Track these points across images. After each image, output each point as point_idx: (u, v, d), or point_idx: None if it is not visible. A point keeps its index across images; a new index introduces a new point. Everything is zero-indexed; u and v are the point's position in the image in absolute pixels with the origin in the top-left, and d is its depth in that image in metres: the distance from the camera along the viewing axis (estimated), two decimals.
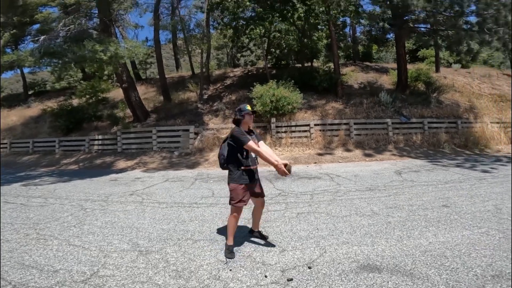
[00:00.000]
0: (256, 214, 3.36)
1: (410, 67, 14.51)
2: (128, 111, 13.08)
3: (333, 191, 5.48)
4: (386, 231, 3.58)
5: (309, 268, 2.74)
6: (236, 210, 3.01)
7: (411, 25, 12.67)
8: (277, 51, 16.82)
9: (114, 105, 14.98)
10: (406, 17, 12.15)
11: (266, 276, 2.62)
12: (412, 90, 13.30)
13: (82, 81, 17.49)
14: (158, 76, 16.16)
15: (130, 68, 17.79)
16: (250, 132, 3.11)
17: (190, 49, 16.16)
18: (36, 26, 15.39)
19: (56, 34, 9.46)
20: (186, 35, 15.65)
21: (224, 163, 3.07)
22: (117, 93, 15.87)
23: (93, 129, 13.01)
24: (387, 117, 11.04)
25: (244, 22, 13.70)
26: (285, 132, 10.34)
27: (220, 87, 15.44)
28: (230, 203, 3.02)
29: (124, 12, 13.04)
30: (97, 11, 10.70)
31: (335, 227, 3.72)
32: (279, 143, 10.06)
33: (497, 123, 11.46)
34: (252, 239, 3.41)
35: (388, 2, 11.28)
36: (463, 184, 5.81)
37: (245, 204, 3.04)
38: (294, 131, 10.41)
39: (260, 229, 3.46)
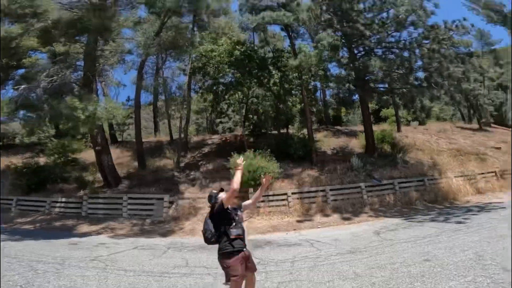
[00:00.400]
0: None
1: (375, 128, 15.47)
2: (99, 175, 12.49)
3: (313, 256, 5.31)
4: None
5: None
6: (235, 285, 2.77)
7: (372, 85, 13.72)
8: (255, 117, 17.69)
9: (84, 168, 14.28)
10: (367, 77, 13.13)
11: None
12: (379, 152, 14.00)
13: (53, 138, 16.80)
14: (134, 139, 16.01)
15: (106, 128, 17.01)
16: (235, 209, 3.14)
17: (170, 113, 16.64)
18: (21, 71, 15.15)
19: (37, 84, 9.02)
20: (168, 97, 16.17)
21: (211, 238, 2.98)
22: (89, 155, 15.30)
23: (57, 191, 11.95)
24: (360, 181, 11.31)
25: (224, 87, 14.53)
26: (263, 201, 10.13)
27: (198, 155, 15.56)
28: (227, 281, 2.80)
29: (109, 68, 13.35)
30: (82, 64, 10.63)
31: None
32: (257, 212, 9.81)
33: (461, 176, 12.10)
34: None
35: (351, 65, 12.41)
36: (440, 237, 5.88)
37: (245, 277, 2.88)
38: (272, 200, 10.29)
39: None
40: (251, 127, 18.09)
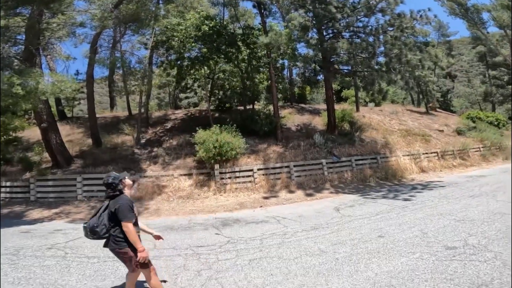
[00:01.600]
0: (131, 278, 3.06)
1: (337, 107, 16.12)
2: (47, 155, 11.36)
3: (281, 233, 5.57)
4: (336, 267, 3.75)
5: None
6: (149, 270, 2.90)
7: (337, 67, 14.31)
8: (221, 93, 17.32)
9: (28, 147, 12.87)
10: (333, 59, 13.62)
11: None
12: (340, 130, 14.84)
13: None
14: (87, 115, 14.66)
15: (53, 104, 15.61)
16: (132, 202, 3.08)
17: (128, 87, 15.40)
18: None
19: None
20: (126, 72, 14.97)
21: (105, 233, 2.85)
22: (33, 133, 13.77)
23: None
24: (322, 157, 12.01)
25: (189, 62, 13.87)
26: (230, 178, 10.27)
27: (160, 130, 14.80)
28: (133, 270, 2.87)
29: (56, 41, 11.90)
30: (24, 38, 9.46)
31: (288, 271, 3.74)
32: (224, 189, 9.88)
33: (408, 155, 13.39)
34: None
35: (319, 46, 12.57)
36: (391, 213, 6.52)
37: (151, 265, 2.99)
38: (238, 177, 10.42)
39: None
40: (217, 102, 17.77)
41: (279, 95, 18.14)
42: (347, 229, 5.60)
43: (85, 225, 2.89)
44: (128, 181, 3.04)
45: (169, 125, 15.32)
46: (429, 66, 14.17)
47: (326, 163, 11.71)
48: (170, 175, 10.21)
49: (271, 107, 14.62)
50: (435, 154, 14.38)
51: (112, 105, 21.24)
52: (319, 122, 16.13)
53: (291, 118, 16.19)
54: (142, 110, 14.45)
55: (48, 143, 10.76)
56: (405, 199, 8.07)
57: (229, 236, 5.51)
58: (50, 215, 8.20)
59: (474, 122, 19.64)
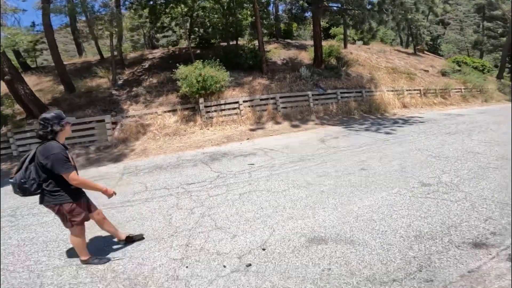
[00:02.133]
0: (107, 226, 2.95)
1: (324, 43, 15.42)
2: (18, 106, 10.53)
3: (269, 166, 5.59)
4: (322, 200, 3.84)
5: (264, 250, 2.76)
6: (80, 230, 2.64)
7: (326, 4, 13.44)
8: (201, 30, 15.84)
9: None
10: None
11: (225, 266, 2.55)
12: (326, 64, 14.38)
13: None
14: (53, 64, 13.28)
15: (13, 58, 14.41)
16: (65, 147, 2.54)
17: (96, 33, 13.69)
18: None
19: None
20: (91, 17, 13.08)
21: (37, 189, 2.42)
22: None
23: None
24: (308, 90, 11.89)
25: (163, 1, 12.30)
26: (215, 111, 10.08)
27: (138, 70, 13.73)
28: (71, 226, 2.57)
29: None
30: None
31: (277, 203, 3.82)
32: (210, 123, 9.75)
33: (392, 91, 13.53)
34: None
35: None
36: (373, 146, 6.65)
37: (88, 220, 2.75)
38: (224, 109, 10.24)
39: (126, 234, 3.08)
40: (198, 39, 16.42)
41: (264, 31, 16.95)
42: (332, 160, 5.69)
43: (12, 180, 2.39)
44: (68, 128, 2.55)
45: (147, 64, 14.21)
46: (424, 10, 13.36)
47: (312, 95, 11.62)
48: (153, 113, 9.83)
49: (256, 42, 13.63)
50: (418, 92, 14.58)
51: (80, 51, 19.38)
52: (306, 56, 15.41)
53: (277, 53, 15.38)
54: (116, 53, 13.17)
55: (16, 94, 9.86)
56: (387, 133, 8.22)
57: (218, 170, 5.49)
58: None
59: (459, 66, 19.61)
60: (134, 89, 11.65)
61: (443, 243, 2.71)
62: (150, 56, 15.58)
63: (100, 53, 16.49)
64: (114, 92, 11.52)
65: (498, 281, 2.14)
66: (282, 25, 21.12)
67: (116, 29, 12.09)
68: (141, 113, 9.88)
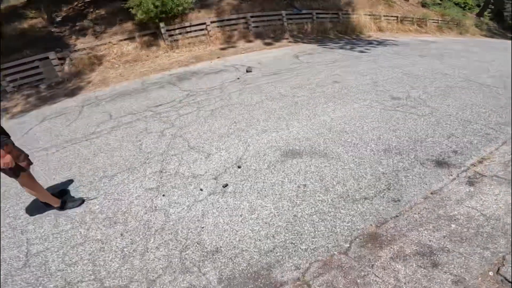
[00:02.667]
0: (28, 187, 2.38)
1: None
2: None
3: (241, 80, 5.25)
4: (295, 111, 3.73)
5: (239, 167, 2.67)
6: (28, 177, 2.27)
7: None
8: None
9: None
10: None
11: (201, 190, 2.45)
12: None
13: None
14: None
15: None
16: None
17: None
18: None
19: None
20: None
21: None
22: None
23: None
24: (281, 9, 10.99)
25: None
26: (180, 34, 8.90)
27: (79, 4, 11.21)
28: (15, 175, 2.17)
29: None
30: None
31: (251, 116, 3.65)
32: (176, 46, 8.66)
33: (369, 15, 12.88)
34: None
35: None
36: (347, 62, 6.43)
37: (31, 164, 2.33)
38: (190, 32, 9.09)
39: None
40: None
41: None
42: (305, 74, 5.47)
43: None
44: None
45: None
46: None
47: (286, 14, 10.72)
48: (107, 43, 8.50)
49: None
50: (395, 18, 14.02)
51: None
52: None
53: None
54: None
55: None
56: (361, 51, 7.89)
57: (187, 89, 5.05)
58: None
59: (441, 0, 18.40)
60: (78, 23, 9.79)
61: (410, 159, 2.75)
62: None
63: None
64: (54, 29, 9.63)
65: (458, 207, 2.20)
66: None
67: None
68: (92, 44, 8.49)
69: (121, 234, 2.15)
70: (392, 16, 14.12)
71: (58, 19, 10.35)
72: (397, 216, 2.16)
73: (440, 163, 2.74)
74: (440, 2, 18.67)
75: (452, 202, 2.28)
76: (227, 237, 2.03)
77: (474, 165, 2.73)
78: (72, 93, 6.57)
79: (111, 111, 4.63)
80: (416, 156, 2.84)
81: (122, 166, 2.99)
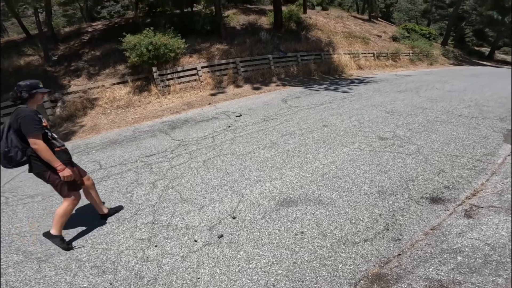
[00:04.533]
0: (94, 195, 2.75)
1: (284, 9, 14.91)
2: None
3: (232, 128, 5.35)
4: (287, 160, 3.74)
5: (234, 218, 2.61)
6: (73, 200, 2.45)
7: None
8: None
9: None
10: None
11: (196, 240, 2.36)
12: (286, 29, 14.02)
13: None
14: None
15: None
16: (38, 113, 2.32)
17: (17, 10, 11.23)
18: None
19: None
20: None
21: (22, 156, 2.24)
22: None
23: None
24: (268, 53, 11.59)
25: None
26: (172, 79, 9.23)
27: (76, 44, 11.80)
28: (65, 195, 2.40)
29: None
30: None
31: (243, 167, 3.64)
32: (167, 91, 8.92)
33: (348, 54, 13.86)
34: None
35: None
36: (333, 104, 6.69)
37: (83, 185, 2.60)
38: (181, 77, 9.46)
39: (107, 207, 2.93)
40: (147, 8, 14.45)
41: None
42: (294, 119, 5.62)
43: None
44: (39, 98, 2.37)
45: (86, 37, 12.28)
46: None
47: (273, 58, 11.39)
48: (100, 86, 8.71)
49: (213, 8, 12.49)
50: (372, 55, 15.19)
51: (1, 30, 16.06)
52: (266, 21, 14.77)
53: (236, 18, 14.42)
54: (46, 29, 11.13)
55: None
56: (345, 91, 8.31)
57: (179, 138, 5.09)
58: None
59: (408, 32, 20.57)
60: (74, 63, 10.18)
61: (404, 199, 2.76)
62: (89, 30, 13.48)
63: (25, 30, 13.94)
64: (48, 68, 9.97)
65: (460, 239, 2.19)
66: None
67: (42, 4, 10.14)
68: (86, 87, 8.68)
69: (111, 284, 2.02)
70: (369, 53, 15.25)
71: (54, 58, 10.72)
72: (399, 254, 2.10)
73: (435, 200, 2.75)
74: (408, 35, 20.43)
75: (453, 235, 2.25)
76: (224, 287, 1.92)
77: (469, 198, 2.75)
78: (63, 138, 6.52)
79: (101, 160, 4.58)
80: (410, 195, 2.84)
81: (111, 217, 2.89)
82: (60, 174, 2.29)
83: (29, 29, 14.54)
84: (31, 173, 2.37)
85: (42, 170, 2.30)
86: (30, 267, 2.29)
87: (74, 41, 12.16)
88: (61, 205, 2.43)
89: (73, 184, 2.41)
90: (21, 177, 4.25)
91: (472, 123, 4.90)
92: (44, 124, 2.30)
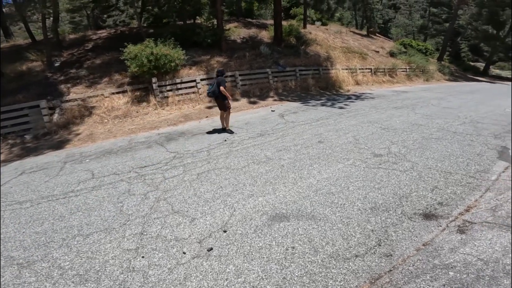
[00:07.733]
0: (224, 118, 6.19)
1: (284, 23, 15.27)
2: None
3: (228, 142, 5.38)
4: (282, 175, 3.74)
5: (225, 232, 2.60)
6: (229, 113, 6.26)
7: None
8: (155, 9, 14.28)
9: None
10: None
11: (184, 253, 2.33)
12: (286, 43, 14.31)
13: None
14: None
15: None
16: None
17: (25, 15, 11.54)
18: None
19: None
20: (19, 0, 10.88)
21: (216, 94, 5.86)
22: None
23: None
24: (267, 67, 11.79)
25: None
26: (171, 90, 9.38)
27: (79, 51, 12.00)
28: (227, 109, 6.10)
29: None
30: None
31: (237, 181, 3.64)
32: (165, 103, 9.01)
33: (346, 69, 14.07)
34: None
35: None
36: (329, 120, 6.76)
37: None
38: (180, 88, 9.59)
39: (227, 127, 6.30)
40: (151, 19, 14.79)
41: (225, 10, 16.11)
42: (291, 134, 5.67)
43: (208, 90, 5.95)
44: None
45: (90, 45, 12.52)
46: None
47: (272, 72, 11.54)
48: (99, 95, 8.78)
49: (214, 21, 12.81)
50: (369, 70, 15.42)
51: (8, 34, 16.43)
52: (266, 35, 15.10)
53: (237, 32, 14.77)
54: (51, 35, 11.38)
55: None
56: (341, 107, 8.42)
57: (174, 151, 5.11)
58: None
59: (405, 48, 21.06)
60: (74, 71, 10.30)
61: (397, 215, 2.77)
62: (94, 37, 13.78)
63: (31, 36, 14.23)
64: (50, 75, 10.07)
65: (453, 255, 2.20)
66: (243, 4, 20.42)
67: (50, 10, 10.40)
68: (84, 95, 8.73)
69: None
70: (366, 69, 15.49)
71: (57, 64, 10.82)
72: (391, 270, 2.10)
73: (428, 216, 2.76)
74: (405, 50, 20.88)
75: (445, 251, 2.25)
76: None
77: (462, 214, 2.77)
78: (57, 145, 6.51)
79: (94, 169, 4.57)
80: (403, 211, 2.85)
81: (99, 226, 2.87)
82: (230, 102, 6.81)
83: (35, 35, 14.76)
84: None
85: (219, 98, 6.29)
86: (10, 272, 2.28)
87: (77, 49, 12.36)
88: (225, 116, 6.42)
89: (230, 107, 6.27)
90: (11, 183, 4.20)
91: (467, 140, 4.96)
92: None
